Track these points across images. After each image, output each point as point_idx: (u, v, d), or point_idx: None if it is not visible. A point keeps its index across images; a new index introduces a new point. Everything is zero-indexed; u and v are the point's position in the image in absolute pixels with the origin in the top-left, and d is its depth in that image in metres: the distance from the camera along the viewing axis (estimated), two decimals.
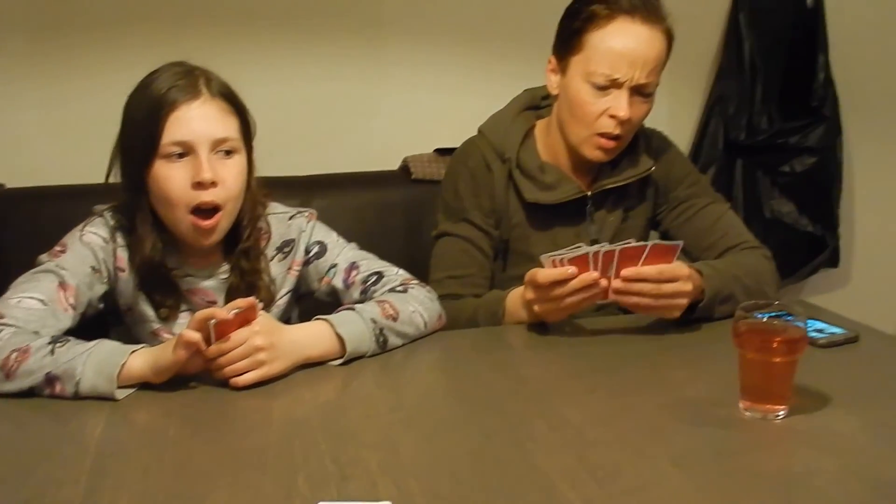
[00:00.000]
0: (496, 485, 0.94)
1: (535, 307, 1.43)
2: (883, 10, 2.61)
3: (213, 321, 1.17)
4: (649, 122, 1.70)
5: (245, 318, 1.21)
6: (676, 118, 2.49)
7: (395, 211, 2.12)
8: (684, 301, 1.40)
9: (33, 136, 2.13)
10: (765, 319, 1.12)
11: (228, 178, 1.33)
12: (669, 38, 1.56)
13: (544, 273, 1.37)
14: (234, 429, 1.12)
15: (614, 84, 1.53)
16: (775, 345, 1.09)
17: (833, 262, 2.67)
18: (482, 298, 1.59)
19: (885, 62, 2.65)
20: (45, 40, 2.10)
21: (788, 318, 1.12)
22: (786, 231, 2.55)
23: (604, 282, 1.36)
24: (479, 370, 1.32)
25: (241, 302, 1.21)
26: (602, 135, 1.57)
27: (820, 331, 1.40)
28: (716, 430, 1.08)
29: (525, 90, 1.77)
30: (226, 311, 1.18)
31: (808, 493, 0.93)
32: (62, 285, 1.30)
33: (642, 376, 1.29)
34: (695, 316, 1.44)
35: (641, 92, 1.55)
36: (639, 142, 1.68)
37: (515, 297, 1.50)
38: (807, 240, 2.58)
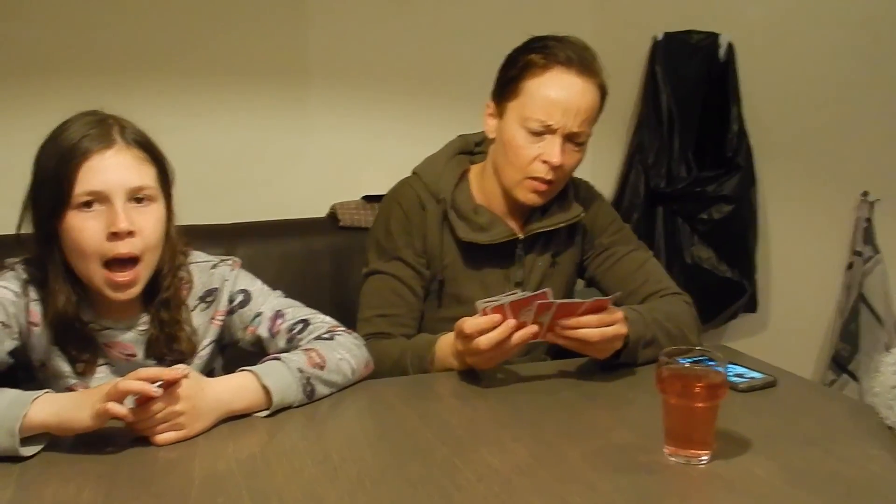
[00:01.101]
0: None
1: (467, 358, 1.43)
2: (792, 65, 2.75)
3: (135, 396, 1.14)
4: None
5: (168, 383, 1.17)
6: (599, 167, 2.55)
7: (322, 258, 2.10)
8: (619, 343, 1.44)
9: None
10: (687, 365, 1.15)
11: (146, 227, 1.29)
12: (603, 91, 1.62)
13: (470, 323, 1.38)
14: (153, 486, 1.07)
15: (548, 130, 1.58)
16: (697, 390, 1.12)
17: (751, 306, 2.76)
18: (411, 341, 1.59)
19: (795, 115, 2.79)
20: None
21: (709, 363, 1.15)
22: (706, 276, 2.62)
23: (534, 327, 1.37)
24: (405, 419, 1.31)
25: (167, 375, 1.16)
26: (534, 179, 1.61)
27: (740, 375, 1.43)
28: (640, 477, 1.09)
29: (459, 135, 1.81)
30: (152, 387, 1.14)
31: None
32: None
33: (569, 423, 1.30)
34: (619, 361, 1.47)
35: (574, 140, 1.60)
36: (568, 190, 1.73)
37: (445, 344, 1.50)
38: (726, 285, 2.66)
